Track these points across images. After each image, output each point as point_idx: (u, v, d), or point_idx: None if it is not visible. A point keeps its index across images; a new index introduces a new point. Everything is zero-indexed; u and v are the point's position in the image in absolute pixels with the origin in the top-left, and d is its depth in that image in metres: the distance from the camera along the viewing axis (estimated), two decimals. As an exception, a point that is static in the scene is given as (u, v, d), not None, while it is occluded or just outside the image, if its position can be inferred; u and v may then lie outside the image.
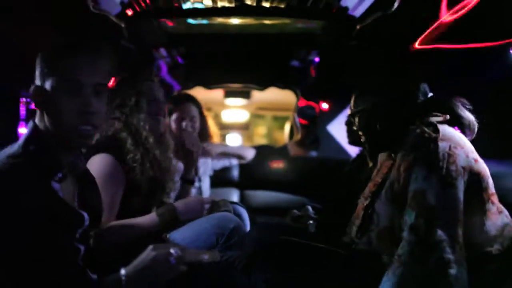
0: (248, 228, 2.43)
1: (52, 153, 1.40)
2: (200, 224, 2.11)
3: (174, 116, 3.01)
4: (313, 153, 4.21)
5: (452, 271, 1.40)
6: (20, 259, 1.25)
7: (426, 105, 1.74)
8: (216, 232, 2.04)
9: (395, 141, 1.71)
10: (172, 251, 1.34)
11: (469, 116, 1.72)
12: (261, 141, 8.53)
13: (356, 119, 1.84)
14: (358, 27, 2.63)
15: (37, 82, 1.40)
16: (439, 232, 1.43)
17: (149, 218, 1.96)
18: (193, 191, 3.15)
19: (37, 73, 1.41)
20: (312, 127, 4.22)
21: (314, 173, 3.65)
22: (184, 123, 3.01)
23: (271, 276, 1.70)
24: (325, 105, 4.06)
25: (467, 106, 1.74)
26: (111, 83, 2.16)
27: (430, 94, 1.77)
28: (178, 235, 2.06)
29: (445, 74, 2.41)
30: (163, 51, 3.51)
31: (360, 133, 1.85)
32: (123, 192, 1.99)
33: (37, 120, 1.42)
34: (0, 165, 1.29)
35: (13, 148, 1.36)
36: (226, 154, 3.63)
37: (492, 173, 1.60)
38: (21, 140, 1.38)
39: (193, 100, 3.12)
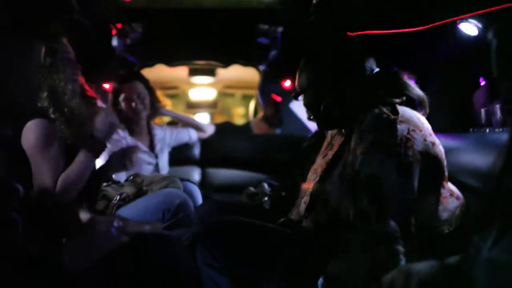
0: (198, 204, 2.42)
1: None
2: (147, 200, 2.10)
3: (122, 96, 3.04)
4: (276, 131, 4.19)
5: (402, 262, 1.34)
6: None
7: (372, 81, 1.67)
8: (162, 208, 2.04)
9: (344, 118, 1.67)
10: (114, 222, 1.38)
11: (418, 92, 1.68)
12: (233, 120, 8.51)
13: (302, 96, 1.76)
14: (314, 1, 2.58)
15: None
16: (391, 222, 1.37)
17: (79, 157, 1.91)
18: (150, 167, 3.13)
19: None
20: (276, 105, 4.20)
21: (275, 151, 3.63)
22: (133, 103, 3.04)
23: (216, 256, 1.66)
24: (287, 83, 4.03)
25: (415, 81, 1.71)
26: None
27: (376, 69, 1.70)
28: (126, 211, 2.05)
29: (395, 54, 2.40)
30: (121, 27, 3.42)
31: (307, 110, 1.80)
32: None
33: None
34: None
35: None
36: (182, 121, 3.59)
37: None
38: None
39: (138, 77, 3.13)
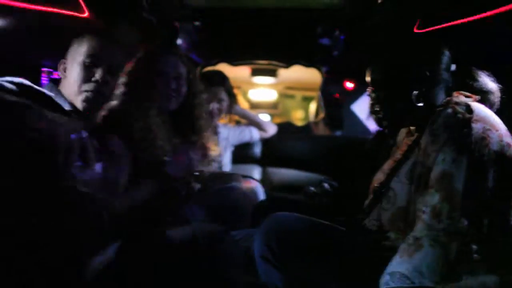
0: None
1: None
2: (210, 196, 2.15)
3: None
4: (337, 133, 4.18)
5: (474, 261, 1.35)
6: None
7: (449, 80, 1.66)
8: (224, 204, 2.09)
9: (416, 118, 1.65)
10: None
11: (493, 88, 1.65)
12: (293, 121, 8.51)
13: (374, 94, 1.74)
14: (379, 1, 2.57)
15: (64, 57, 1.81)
16: (463, 220, 1.37)
17: (146, 187, 2.00)
18: (214, 165, 3.20)
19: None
20: (337, 107, 4.18)
21: (335, 152, 3.62)
22: (211, 105, 3.11)
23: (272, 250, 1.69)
24: (349, 84, 4.01)
25: (491, 78, 1.67)
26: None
27: (453, 67, 1.68)
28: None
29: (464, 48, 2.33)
30: (186, 25, 3.51)
31: (378, 108, 1.75)
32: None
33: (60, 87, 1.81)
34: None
35: None
36: (248, 118, 3.65)
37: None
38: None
39: (223, 83, 3.20)
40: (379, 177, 1.82)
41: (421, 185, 1.51)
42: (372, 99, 1.76)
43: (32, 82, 2.40)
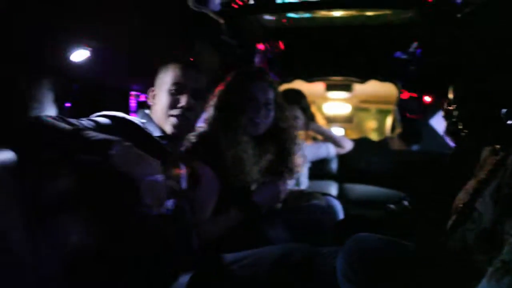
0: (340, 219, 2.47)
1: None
2: (292, 214, 2.20)
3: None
4: (414, 147, 4.11)
5: None
6: None
7: None
8: (306, 222, 2.12)
9: (503, 136, 1.61)
10: None
11: None
12: (368, 134, 8.40)
13: (456, 110, 1.69)
14: (458, 15, 2.53)
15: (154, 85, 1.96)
16: None
17: (234, 215, 2.08)
18: (292, 182, 3.25)
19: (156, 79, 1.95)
20: (415, 121, 4.12)
21: (414, 168, 3.57)
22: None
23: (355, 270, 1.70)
24: (427, 98, 3.94)
25: None
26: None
27: None
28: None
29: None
30: (263, 45, 3.60)
31: (460, 125, 1.69)
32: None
33: (149, 111, 1.95)
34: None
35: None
36: (324, 135, 3.68)
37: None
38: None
39: (299, 101, 3.26)
40: (462, 197, 1.77)
41: (508, 207, 1.46)
42: (454, 117, 1.71)
43: (122, 104, 2.59)
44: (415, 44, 3.45)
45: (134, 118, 1.83)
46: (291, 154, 2.36)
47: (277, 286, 1.65)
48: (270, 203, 2.19)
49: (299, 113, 3.32)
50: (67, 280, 1.40)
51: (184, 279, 1.65)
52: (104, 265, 1.51)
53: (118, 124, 1.73)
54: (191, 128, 2.02)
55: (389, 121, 4.45)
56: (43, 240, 1.01)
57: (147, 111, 1.96)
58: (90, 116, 1.76)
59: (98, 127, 1.64)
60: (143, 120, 1.87)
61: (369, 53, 3.78)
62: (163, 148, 1.82)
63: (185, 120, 1.88)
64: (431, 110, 3.92)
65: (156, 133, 1.85)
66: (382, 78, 4.16)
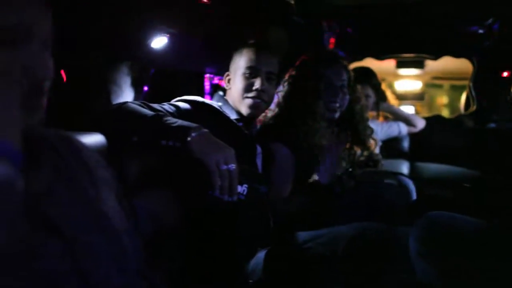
0: (413, 199, 2.45)
1: None
2: (364, 193, 2.21)
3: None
4: (491, 125, 3.97)
5: None
6: None
7: None
8: (378, 201, 2.13)
9: None
10: None
11: None
12: (442, 112, 8.18)
13: None
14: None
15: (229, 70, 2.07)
16: None
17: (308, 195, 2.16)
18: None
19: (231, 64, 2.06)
20: (491, 97, 3.98)
21: (490, 145, 3.47)
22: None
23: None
24: (505, 73, 3.79)
25: None
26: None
27: None
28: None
29: None
30: (332, 23, 3.57)
31: None
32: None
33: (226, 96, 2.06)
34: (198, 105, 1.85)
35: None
36: (396, 114, 3.64)
37: None
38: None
39: (369, 80, 3.25)
40: None
41: None
42: None
43: (197, 86, 2.67)
44: (492, 18, 3.32)
45: (212, 102, 1.91)
46: (364, 137, 2.38)
47: (352, 265, 1.68)
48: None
49: (370, 92, 3.30)
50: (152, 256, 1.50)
51: (261, 254, 1.71)
52: (184, 243, 1.60)
53: (197, 109, 1.83)
54: (265, 109, 2.09)
55: (463, 97, 4.30)
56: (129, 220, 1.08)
57: (221, 93, 2.05)
58: (172, 100, 1.85)
59: (179, 112, 1.73)
60: (220, 103, 1.96)
61: (443, 28, 3.67)
62: (241, 130, 1.90)
63: (260, 102, 1.97)
64: (509, 85, 3.76)
65: (233, 115, 1.94)
66: (457, 53, 4.02)
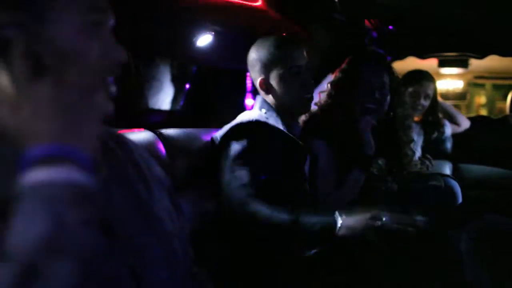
0: (459, 201, 2.39)
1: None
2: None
3: (410, 89, 3.22)
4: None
5: None
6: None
7: None
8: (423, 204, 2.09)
9: None
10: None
11: None
12: (480, 112, 8.00)
13: None
14: None
15: (260, 75, 1.95)
16: None
17: (354, 175, 2.11)
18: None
19: (259, 67, 1.95)
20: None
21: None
22: (421, 101, 3.24)
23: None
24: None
25: None
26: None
27: None
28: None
29: None
30: (374, 22, 3.52)
31: None
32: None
33: (265, 98, 1.98)
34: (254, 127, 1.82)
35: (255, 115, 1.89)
36: (446, 111, 3.57)
37: None
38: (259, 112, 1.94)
39: (431, 79, 3.19)
40: None
41: None
42: None
43: (239, 84, 2.67)
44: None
45: (266, 119, 1.90)
46: (401, 144, 2.32)
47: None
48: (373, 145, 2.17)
49: (431, 92, 3.26)
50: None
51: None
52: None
53: (258, 130, 1.84)
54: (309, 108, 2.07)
55: (509, 97, 4.17)
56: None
57: (262, 95, 2.01)
58: (231, 124, 1.88)
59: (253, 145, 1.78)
60: (264, 111, 1.94)
61: (488, 26, 3.56)
62: (295, 142, 1.92)
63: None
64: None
65: (279, 124, 1.91)
66: (503, 52, 3.90)
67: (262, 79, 1.95)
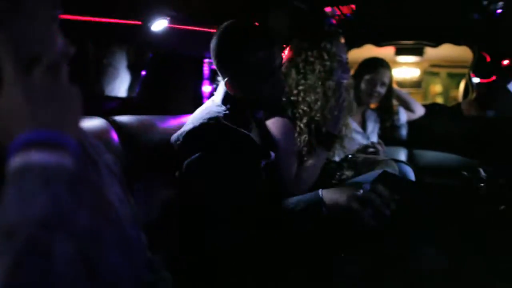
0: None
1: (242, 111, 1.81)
2: (363, 181, 2.20)
3: (367, 77, 3.22)
4: (490, 113, 3.96)
5: None
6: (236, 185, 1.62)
7: None
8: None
9: None
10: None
11: None
12: (436, 100, 8.18)
13: None
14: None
15: (226, 75, 1.77)
16: None
17: (318, 153, 2.11)
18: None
19: (225, 66, 1.77)
20: (491, 85, 3.96)
21: (489, 134, 3.46)
22: (377, 88, 3.24)
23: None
24: (505, 61, 3.77)
25: None
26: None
27: None
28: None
29: None
30: (332, 9, 3.53)
31: None
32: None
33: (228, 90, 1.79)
34: (212, 123, 1.66)
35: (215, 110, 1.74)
36: (401, 99, 3.63)
37: None
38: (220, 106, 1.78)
39: (388, 67, 3.22)
40: None
41: None
42: None
43: (196, 71, 2.64)
44: (494, 4, 3.29)
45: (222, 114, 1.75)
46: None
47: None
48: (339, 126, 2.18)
49: (388, 79, 3.29)
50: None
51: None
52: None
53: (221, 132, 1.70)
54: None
55: (462, 85, 4.28)
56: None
57: (220, 79, 1.94)
58: (194, 122, 1.72)
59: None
60: (223, 108, 1.78)
61: (444, 15, 3.63)
62: (253, 138, 1.81)
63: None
64: (509, 73, 3.74)
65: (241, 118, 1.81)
66: (458, 41, 3.99)
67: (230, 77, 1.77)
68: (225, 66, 1.77)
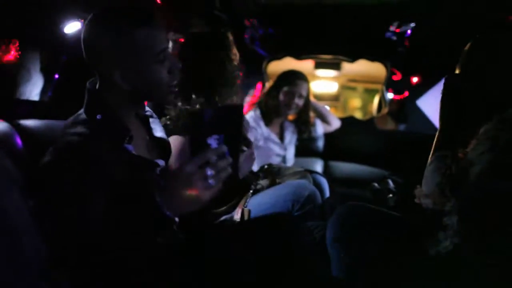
0: (326, 196, 2.50)
1: (119, 120, 1.45)
2: (278, 190, 2.22)
3: (285, 89, 3.25)
4: (401, 127, 4.16)
5: None
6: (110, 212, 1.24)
7: None
8: (292, 199, 2.14)
9: None
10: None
11: None
12: (352, 113, 8.46)
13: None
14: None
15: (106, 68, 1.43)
16: None
17: None
18: (278, 159, 3.29)
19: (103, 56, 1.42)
20: (402, 101, 4.16)
21: (399, 147, 3.62)
22: (295, 100, 3.28)
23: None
24: (415, 79, 3.98)
25: None
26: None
27: None
28: (257, 199, 2.19)
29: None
30: (254, 21, 3.59)
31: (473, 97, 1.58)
32: None
33: (97, 87, 1.49)
34: (70, 139, 1.34)
35: (78, 119, 1.44)
36: (318, 111, 3.71)
37: None
38: (84, 112, 1.46)
39: (306, 79, 3.27)
40: None
41: None
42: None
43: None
44: (405, 25, 3.47)
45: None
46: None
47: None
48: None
49: (305, 92, 3.34)
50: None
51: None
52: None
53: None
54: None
55: (376, 100, 4.47)
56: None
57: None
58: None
59: None
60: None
61: (360, 33, 3.79)
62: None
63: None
64: (418, 90, 3.95)
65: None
66: (372, 57, 4.17)
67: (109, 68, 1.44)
68: (103, 56, 1.43)
